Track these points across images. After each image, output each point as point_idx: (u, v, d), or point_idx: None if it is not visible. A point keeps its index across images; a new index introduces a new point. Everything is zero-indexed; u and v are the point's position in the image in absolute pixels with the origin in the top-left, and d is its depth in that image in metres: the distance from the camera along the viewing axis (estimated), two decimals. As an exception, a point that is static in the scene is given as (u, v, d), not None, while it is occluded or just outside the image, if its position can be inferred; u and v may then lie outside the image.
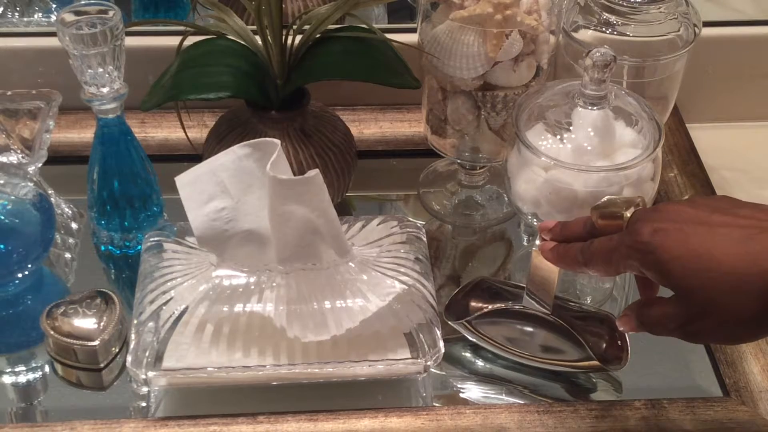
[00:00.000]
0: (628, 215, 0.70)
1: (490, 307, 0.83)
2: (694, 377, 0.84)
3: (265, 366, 0.77)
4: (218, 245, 0.79)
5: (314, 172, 0.75)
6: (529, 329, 0.83)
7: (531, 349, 0.83)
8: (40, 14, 1.09)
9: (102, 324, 0.81)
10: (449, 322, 0.84)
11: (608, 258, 0.69)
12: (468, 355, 0.85)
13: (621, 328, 0.73)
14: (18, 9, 1.09)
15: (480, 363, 0.85)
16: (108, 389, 0.82)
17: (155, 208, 0.93)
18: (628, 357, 0.81)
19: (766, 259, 0.62)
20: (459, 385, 0.83)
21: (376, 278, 0.79)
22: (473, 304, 0.84)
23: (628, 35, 0.89)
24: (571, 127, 0.81)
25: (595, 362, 0.81)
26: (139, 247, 0.86)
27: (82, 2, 0.83)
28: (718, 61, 1.07)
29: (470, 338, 0.84)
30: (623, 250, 0.68)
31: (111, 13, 0.82)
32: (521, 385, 0.83)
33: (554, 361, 0.82)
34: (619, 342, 0.82)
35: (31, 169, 0.88)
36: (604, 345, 0.82)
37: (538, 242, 0.78)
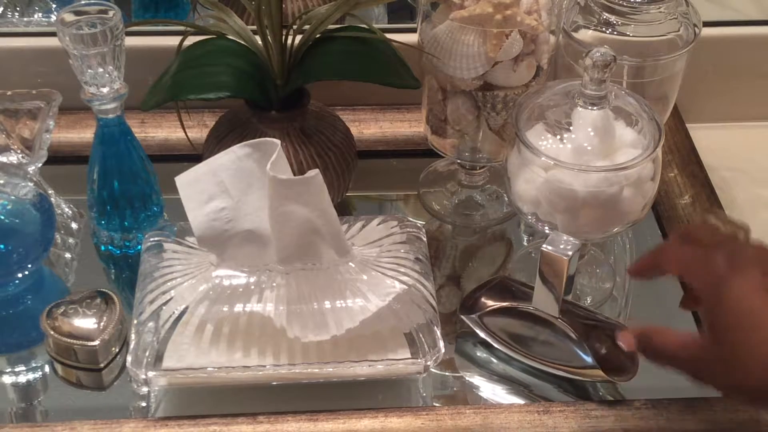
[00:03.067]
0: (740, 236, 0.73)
1: (498, 304, 0.83)
2: (694, 377, 0.84)
3: (265, 366, 0.77)
4: (218, 245, 0.79)
5: (314, 172, 0.75)
6: (538, 331, 0.82)
7: (537, 350, 0.82)
8: (40, 14, 1.09)
9: (102, 324, 0.81)
10: (461, 316, 0.84)
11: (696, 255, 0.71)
12: (469, 354, 0.85)
13: (620, 342, 0.76)
14: (18, 9, 1.09)
15: (481, 363, 0.85)
16: (108, 389, 0.82)
17: (155, 208, 0.93)
18: (636, 370, 0.79)
19: None
20: (459, 385, 0.83)
21: (376, 278, 0.79)
22: (487, 301, 0.84)
23: (628, 35, 0.89)
24: (571, 127, 0.81)
25: (599, 371, 0.79)
26: (139, 247, 0.86)
27: (82, 2, 0.83)
28: (718, 61, 1.07)
29: (480, 334, 0.83)
30: (714, 258, 0.69)
31: (111, 13, 0.82)
32: (521, 385, 0.83)
33: (559, 365, 0.81)
34: (630, 354, 0.79)
35: (31, 169, 0.88)
36: (611, 354, 0.80)
37: (548, 246, 0.77)
